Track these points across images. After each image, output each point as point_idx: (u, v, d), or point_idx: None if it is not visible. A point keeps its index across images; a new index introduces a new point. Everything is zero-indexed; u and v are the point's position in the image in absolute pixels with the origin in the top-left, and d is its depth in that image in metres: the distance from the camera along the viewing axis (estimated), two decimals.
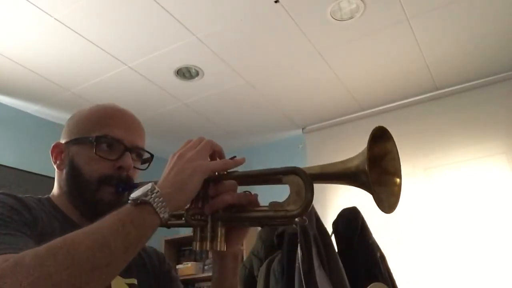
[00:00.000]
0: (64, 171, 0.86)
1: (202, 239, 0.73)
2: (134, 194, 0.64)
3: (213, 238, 0.73)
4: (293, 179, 0.67)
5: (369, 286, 1.55)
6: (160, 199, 0.63)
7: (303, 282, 1.56)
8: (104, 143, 0.84)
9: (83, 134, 0.86)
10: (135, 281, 0.86)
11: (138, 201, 0.63)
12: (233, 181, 0.75)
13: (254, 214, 0.73)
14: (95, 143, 0.83)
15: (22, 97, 3.22)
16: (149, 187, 0.64)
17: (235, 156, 0.74)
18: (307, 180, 0.65)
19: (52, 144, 0.89)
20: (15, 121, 3.31)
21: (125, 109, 0.92)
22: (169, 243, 3.98)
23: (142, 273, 0.89)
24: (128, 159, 0.85)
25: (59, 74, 2.95)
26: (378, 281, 1.67)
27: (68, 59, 2.80)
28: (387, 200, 0.67)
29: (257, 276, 1.88)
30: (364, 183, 0.65)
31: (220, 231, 0.74)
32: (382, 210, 0.65)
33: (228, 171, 0.74)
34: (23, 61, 2.79)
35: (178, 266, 3.86)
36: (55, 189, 0.88)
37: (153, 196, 0.63)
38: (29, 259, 0.53)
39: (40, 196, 0.85)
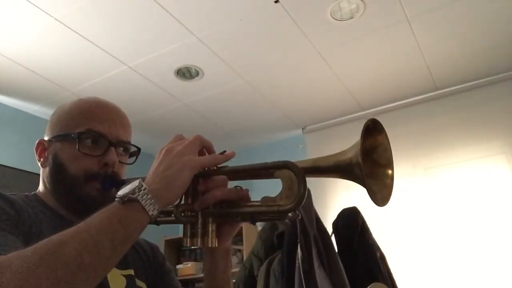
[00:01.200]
0: (48, 168, 0.84)
1: (193, 236, 0.71)
2: (121, 192, 0.62)
3: (204, 235, 0.72)
4: (285, 173, 0.66)
5: (369, 286, 1.54)
6: (148, 196, 0.62)
7: (303, 282, 1.56)
8: (87, 139, 0.82)
9: (65, 130, 0.83)
10: (132, 272, 0.85)
11: (126, 199, 0.61)
12: (223, 176, 0.73)
13: (246, 210, 0.72)
14: (77, 140, 0.81)
15: (22, 97, 3.22)
16: (137, 184, 0.62)
17: (225, 151, 0.73)
18: (299, 174, 0.64)
19: (36, 142, 0.87)
20: (15, 121, 3.31)
21: (109, 102, 0.89)
22: (169, 243, 3.98)
23: (138, 264, 0.89)
24: (113, 155, 0.83)
25: (59, 74, 2.95)
26: (378, 281, 1.67)
27: (68, 59, 2.80)
28: (380, 192, 0.66)
29: (257, 276, 1.88)
30: (357, 176, 0.64)
31: (211, 227, 0.72)
32: (376, 203, 0.64)
33: (218, 166, 0.73)
34: (23, 61, 2.79)
35: (178, 266, 3.86)
36: (40, 187, 0.87)
37: (140, 193, 0.61)
38: (14, 261, 0.52)
39: (26, 193, 0.84)
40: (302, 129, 3.97)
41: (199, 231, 0.71)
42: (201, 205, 0.71)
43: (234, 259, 3.48)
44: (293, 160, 0.68)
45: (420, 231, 3.13)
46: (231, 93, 3.33)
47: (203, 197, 0.71)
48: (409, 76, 3.21)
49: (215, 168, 0.73)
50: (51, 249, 0.54)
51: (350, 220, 1.85)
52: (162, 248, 3.89)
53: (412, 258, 3.05)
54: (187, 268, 3.80)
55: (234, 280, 2.06)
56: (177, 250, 4.13)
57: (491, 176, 3.04)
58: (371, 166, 0.67)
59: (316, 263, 1.59)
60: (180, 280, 1.00)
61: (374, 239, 1.87)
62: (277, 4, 2.38)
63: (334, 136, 3.77)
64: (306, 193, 0.64)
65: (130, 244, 0.62)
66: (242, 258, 3.41)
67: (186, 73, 3.04)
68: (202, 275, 3.76)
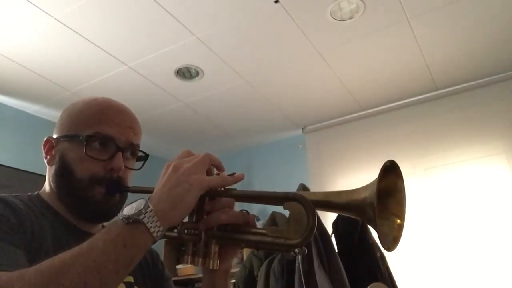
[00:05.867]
0: (54, 167, 0.84)
1: (195, 254, 0.70)
2: (127, 211, 0.61)
3: (206, 255, 0.71)
4: (294, 206, 0.64)
5: (369, 286, 1.54)
6: (154, 218, 0.61)
7: (303, 282, 1.56)
8: (95, 142, 0.81)
9: (74, 131, 0.83)
10: (131, 279, 0.85)
11: (131, 220, 0.60)
12: (230, 198, 0.72)
13: (251, 238, 0.70)
14: (85, 142, 0.80)
15: (22, 97, 3.22)
16: (143, 205, 0.61)
17: (234, 173, 0.71)
18: (309, 209, 0.63)
19: (44, 138, 0.87)
20: (15, 121, 3.31)
21: (120, 104, 0.88)
22: (169, 243, 3.96)
23: (138, 270, 0.88)
24: (119, 160, 0.82)
25: (59, 74, 2.95)
26: (378, 281, 1.67)
27: (68, 59, 2.80)
28: (387, 236, 0.65)
29: (257, 276, 1.88)
30: (369, 218, 0.62)
31: (214, 249, 0.71)
32: (383, 246, 0.63)
33: (227, 187, 0.71)
34: (23, 61, 2.79)
35: (178, 266, 3.85)
36: (46, 185, 0.86)
37: (146, 214, 0.61)
38: (16, 283, 0.51)
39: (29, 193, 0.83)
40: (302, 129, 3.97)
41: (201, 250, 0.70)
42: (205, 226, 0.70)
43: (234, 259, 3.47)
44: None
45: (420, 231, 3.12)
46: (231, 93, 3.33)
47: (207, 218, 0.70)
48: (409, 76, 3.21)
49: (223, 189, 0.71)
50: (53, 272, 0.53)
51: (350, 220, 1.85)
52: (162, 248, 3.89)
53: (412, 258, 3.05)
54: (187, 268, 3.80)
55: (234, 280, 2.06)
56: (177, 250, 4.12)
57: (491, 176, 3.04)
58: (381, 208, 0.65)
59: (316, 263, 1.59)
60: (180, 280, 1.00)
61: (374, 239, 1.87)
62: (277, 4, 2.38)
63: (334, 136, 3.77)
64: (315, 228, 0.63)
65: (133, 266, 0.61)
66: (242, 258, 3.40)
67: (186, 73, 3.04)
68: (202, 275, 3.76)
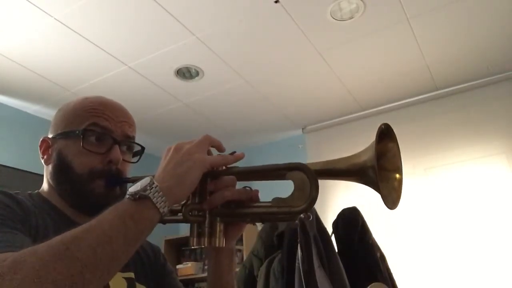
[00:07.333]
0: (51, 165, 0.84)
1: (200, 235, 0.71)
2: (133, 188, 0.63)
3: (211, 234, 0.72)
4: (297, 175, 0.66)
5: (369, 286, 1.55)
6: (160, 194, 0.62)
7: (303, 282, 1.56)
8: (91, 136, 0.82)
9: (70, 127, 0.84)
10: (132, 274, 0.85)
11: (137, 196, 0.62)
12: (232, 177, 0.73)
13: (256, 210, 0.72)
14: (82, 136, 0.81)
15: (22, 97, 3.22)
16: (148, 181, 0.63)
17: (234, 152, 0.73)
18: (311, 176, 0.64)
19: (40, 139, 0.87)
20: (15, 121, 3.31)
21: (114, 101, 0.90)
22: (170, 243, 3.98)
23: (139, 266, 0.89)
24: (117, 152, 0.83)
25: (59, 74, 2.95)
26: (378, 281, 1.67)
27: (68, 59, 2.80)
28: (390, 195, 0.66)
29: (257, 276, 1.88)
30: (371, 180, 0.63)
31: (219, 227, 0.72)
32: (387, 206, 0.64)
33: (228, 166, 0.73)
34: (23, 61, 2.79)
35: (178, 266, 3.86)
36: (44, 184, 0.87)
37: (152, 190, 0.62)
38: (29, 257, 0.52)
39: (30, 192, 0.84)
40: (302, 129, 3.97)
41: (207, 230, 0.71)
42: (210, 205, 0.71)
43: (234, 259, 3.47)
44: (293, 160, 0.68)
45: (420, 231, 3.13)
46: (231, 93, 3.33)
47: (212, 196, 0.71)
48: (409, 76, 3.21)
49: (225, 168, 0.73)
50: (65, 245, 0.54)
51: (350, 220, 1.85)
52: (162, 248, 3.89)
53: (412, 258, 3.05)
54: (187, 268, 3.81)
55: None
56: (177, 250, 4.13)
57: (491, 176, 3.04)
58: (380, 169, 0.66)
59: (316, 263, 1.59)
60: (180, 280, 0.99)
61: (374, 239, 1.87)
62: (277, 4, 2.38)
63: (334, 136, 3.77)
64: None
65: (141, 241, 0.62)
66: (242, 258, 3.40)
67: (186, 73, 3.04)
68: (202, 275, 3.77)
